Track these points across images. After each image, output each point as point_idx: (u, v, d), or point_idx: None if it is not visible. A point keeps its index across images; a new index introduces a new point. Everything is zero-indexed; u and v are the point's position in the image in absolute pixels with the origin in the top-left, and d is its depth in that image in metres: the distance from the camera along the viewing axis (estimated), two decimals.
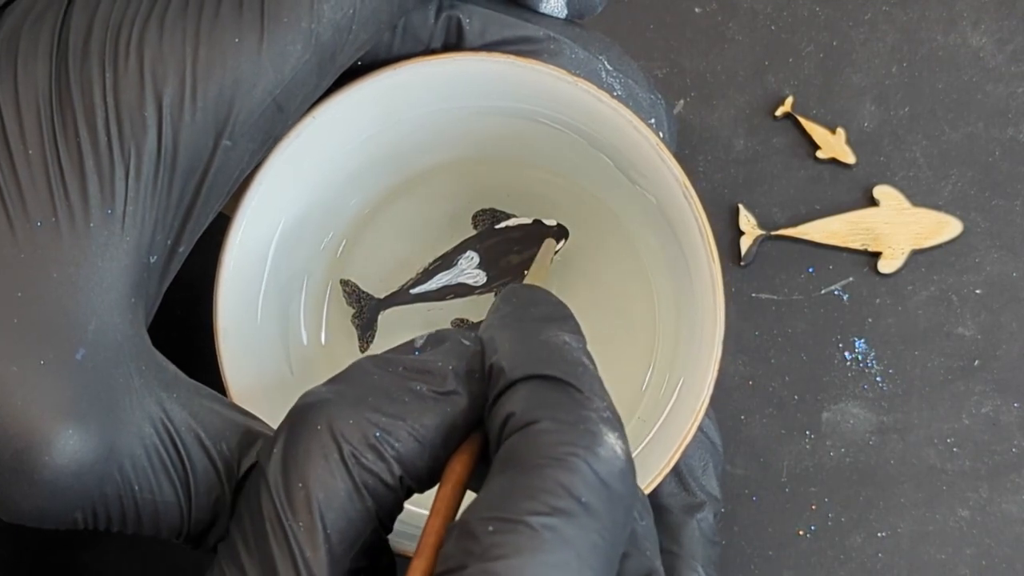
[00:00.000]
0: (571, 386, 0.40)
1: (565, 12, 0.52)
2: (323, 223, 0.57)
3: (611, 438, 0.39)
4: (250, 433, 0.46)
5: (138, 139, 0.43)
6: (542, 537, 0.36)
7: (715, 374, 0.50)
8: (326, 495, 0.40)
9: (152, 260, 0.44)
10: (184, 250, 0.46)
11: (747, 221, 0.64)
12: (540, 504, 0.37)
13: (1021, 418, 0.63)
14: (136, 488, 0.44)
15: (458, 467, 0.42)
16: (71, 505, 0.43)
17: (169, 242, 0.45)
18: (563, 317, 0.44)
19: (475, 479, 0.42)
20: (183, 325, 0.56)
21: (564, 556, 0.36)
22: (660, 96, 0.54)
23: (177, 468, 0.44)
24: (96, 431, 0.43)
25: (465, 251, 0.58)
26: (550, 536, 0.36)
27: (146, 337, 0.45)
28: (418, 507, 0.46)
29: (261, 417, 0.47)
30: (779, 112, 0.64)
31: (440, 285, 0.58)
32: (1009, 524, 0.62)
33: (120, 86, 0.43)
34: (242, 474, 0.45)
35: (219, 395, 0.47)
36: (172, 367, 0.46)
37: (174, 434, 0.44)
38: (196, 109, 0.44)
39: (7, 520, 0.44)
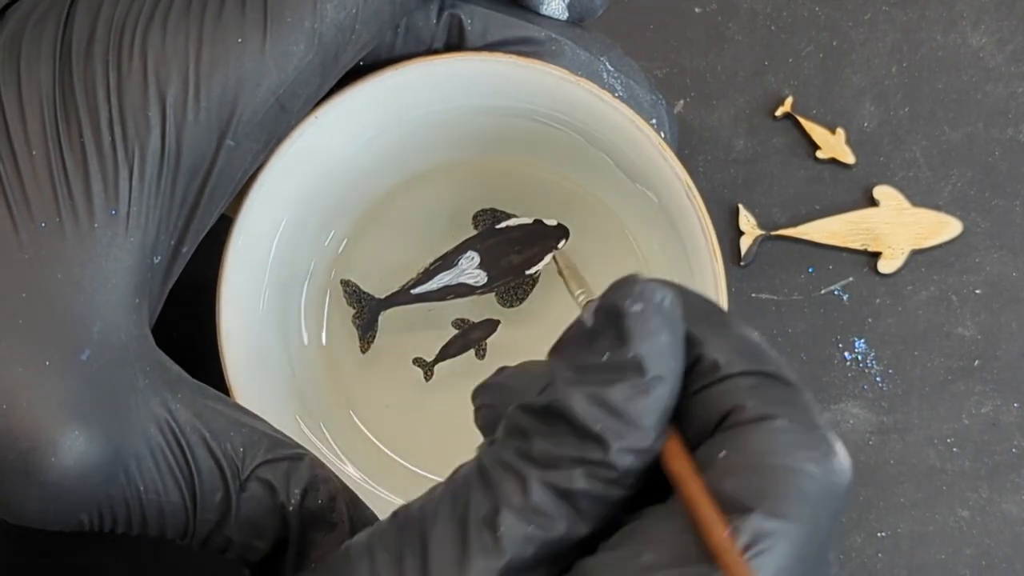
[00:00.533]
0: (795, 387, 0.38)
1: (566, 15, 0.52)
2: (324, 223, 0.58)
3: (842, 451, 0.37)
4: (254, 433, 0.46)
5: (142, 139, 0.43)
6: (773, 539, 0.35)
7: None
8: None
9: (156, 260, 0.44)
10: (188, 250, 0.46)
11: (747, 221, 0.64)
12: (776, 505, 0.35)
13: (1021, 418, 0.63)
14: (142, 489, 0.44)
15: (676, 445, 0.38)
16: (77, 506, 0.43)
17: (173, 242, 0.45)
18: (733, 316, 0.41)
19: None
20: (184, 325, 0.56)
21: (787, 561, 0.35)
22: (661, 96, 0.54)
23: (182, 469, 0.44)
24: (102, 432, 0.42)
25: (466, 251, 0.58)
26: (779, 540, 0.35)
27: (150, 338, 0.45)
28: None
29: (263, 417, 0.47)
30: (779, 112, 0.64)
31: (441, 285, 0.58)
32: (1009, 524, 0.62)
33: (124, 87, 0.43)
34: (247, 474, 0.45)
35: (223, 395, 0.47)
36: (176, 367, 0.46)
37: (179, 435, 0.44)
38: (199, 109, 0.44)
39: (13, 522, 0.43)
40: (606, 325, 0.38)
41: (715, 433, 0.37)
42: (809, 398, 0.38)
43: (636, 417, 0.37)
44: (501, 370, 0.41)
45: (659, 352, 0.37)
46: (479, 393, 0.41)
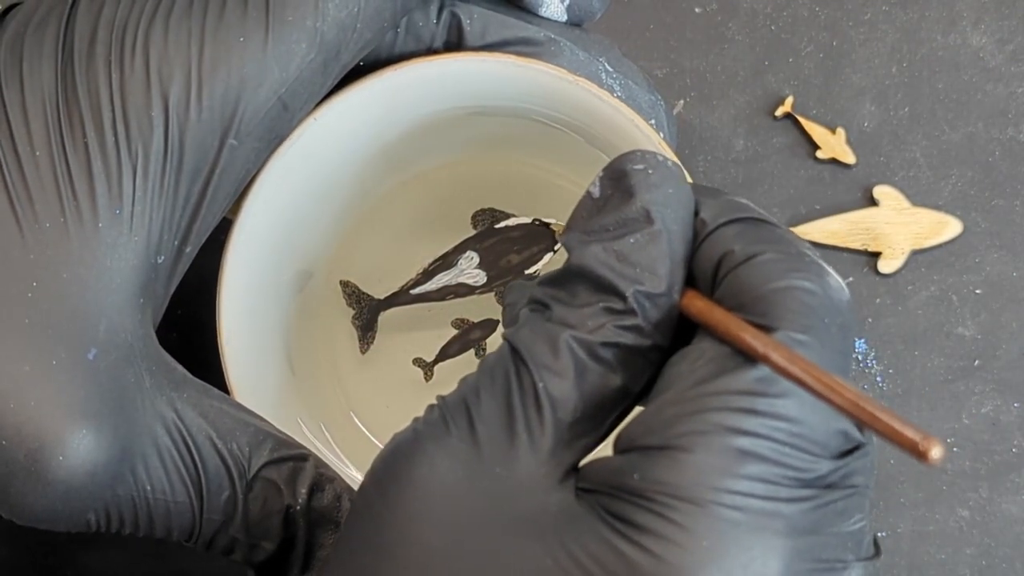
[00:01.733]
0: (778, 227, 0.39)
1: (565, 17, 0.52)
2: (324, 224, 0.57)
3: (832, 271, 0.38)
4: (259, 433, 0.46)
5: (145, 139, 0.43)
6: (802, 351, 0.36)
7: None
8: None
9: (160, 260, 0.44)
10: (191, 251, 0.46)
11: None
12: (790, 323, 0.36)
13: (1021, 418, 0.63)
14: (149, 489, 0.44)
15: (694, 297, 0.39)
16: (84, 506, 0.43)
17: (176, 242, 0.45)
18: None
19: None
20: (184, 325, 0.56)
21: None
22: (660, 97, 0.54)
23: (189, 469, 0.44)
24: (110, 431, 0.43)
25: (465, 251, 0.58)
26: (806, 352, 0.36)
27: (154, 338, 0.45)
28: None
29: (264, 417, 0.47)
30: (779, 112, 0.64)
31: (440, 285, 0.58)
32: (1009, 524, 0.62)
33: (126, 87, 0.43)
34: (253, 474, 0.45)
35: (227, 396, 0.47)
36: (180, 368, 0.46)
37: (186, 435, 0.44)
38: (202, 108, 0.44)
39: (20, 522, 0.43)
40: (612, 188, 0.40)
41: (714, 286, 0.39)
42: (793, 235, 0.39)
43: (650, 263, 0.39)
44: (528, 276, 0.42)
45: (665, 201, 0.39)
46: (507, 293, 0.43)
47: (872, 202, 0.64)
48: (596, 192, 0.41)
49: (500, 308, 0.59)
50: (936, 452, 0.33)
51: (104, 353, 0.43)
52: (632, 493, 0.36)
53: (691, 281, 0.40)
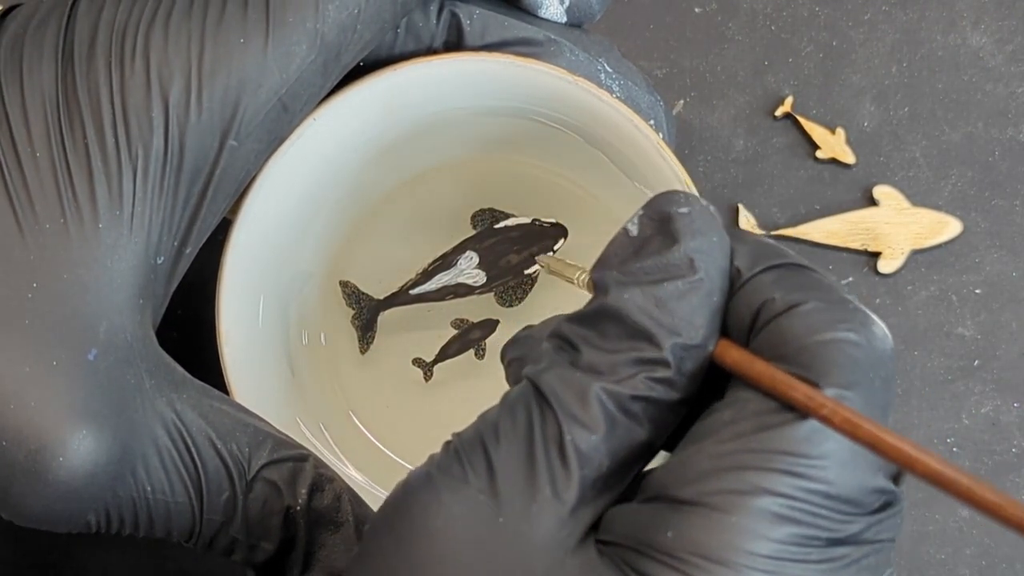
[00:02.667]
0: (816, 272, 0.38)
1: (565, 19, 0.52)
2: (323, 224, 0.57)
3: (877, 318, 0.37)
4: (259, 433, 0.46)
5: (145, 140, 0.43)
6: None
7: None
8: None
9: (159, 261, 0.44)
10: (191, 252, 0.46)
11: (747, 221, 0.64)
12: (836, 377, 0.35)
13: (1021, 418, 0.63)
14: (149, 489, 0.44)
15: (729, 346, 0.38)
16: (84, 507, 0.43)
17: (176, 243, 0.45)
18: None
19: None
20: (183, 325, 0.56)
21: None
22: (659, 98, 0.54)
23: (189, 469, 0.44)
24: (110, 432, 0.43)
25: (464, 251, 0.58)
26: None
27: (154, 339, 0.45)
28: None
29: (263, 417, 0.47)
30: (779, 112, 0.64)
31: (440, 285, 0.58)
32: None
33: (126, 88, 0.43)
34: (253, 474, 0.45)
35: (226, 396, 0.47)
36: (180, 368, 0.46)
37: (186, 435, 0.44)
38: (202, 110, 0.44)
39: (20, 523, 0.43)
40: (653, 230, 0.39)
41: (751, 336, 0.37)
42: (832, 280, 0.38)
43: (689, 314, 0.37)
44: (527, 328, 0.41)
45: (709, 250, 0.38)
46: (507, 349, 0.41)
47: (872, 202, 0.64)
48: (635, 231, 0.39)
49: (500, 308, 0.59)
50: None
51: (104, 354, 0.43)
52: (661, 551, 0.35)
53: (724, 330, 0.38)
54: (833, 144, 0.64)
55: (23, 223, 0.42)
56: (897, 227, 0.63)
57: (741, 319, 0.38)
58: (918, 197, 0.64)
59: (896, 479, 0.37)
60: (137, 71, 0.43)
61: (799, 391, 0.35)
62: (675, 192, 0.39)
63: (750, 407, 0.36)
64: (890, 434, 0.35)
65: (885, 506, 0.37)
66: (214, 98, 0.44)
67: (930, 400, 0.63)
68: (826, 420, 0.35)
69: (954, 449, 0.62)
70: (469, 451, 0.38)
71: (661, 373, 0.37)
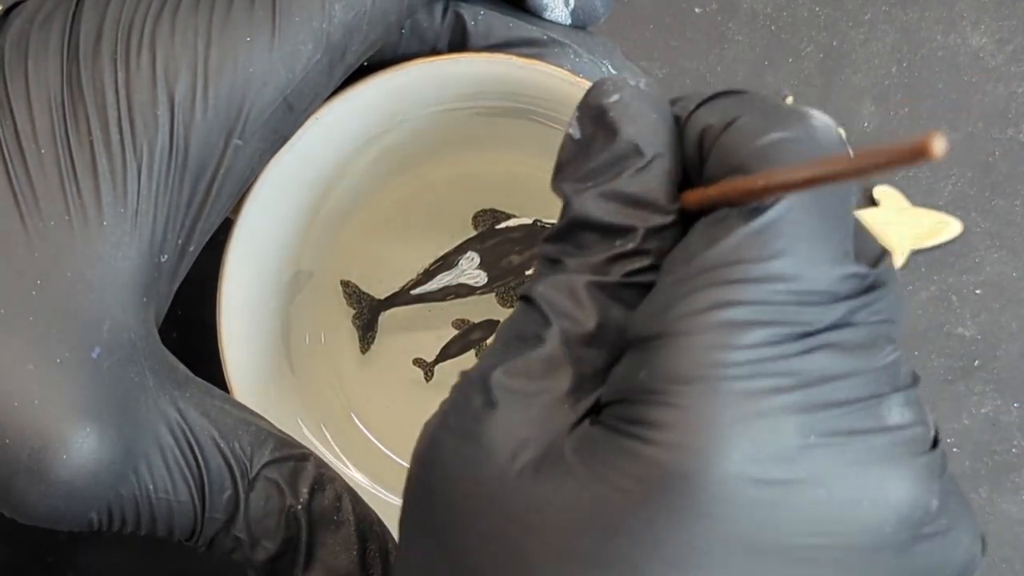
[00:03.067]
0: (748, 91, 0.39)
1: (569, 21, 0.52)
2: (324, 223, 0.57)
3: (817, 111, 0.37)
4: (261, 432, 0.46)
5: (150, 137, 0.43)
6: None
7: None
8: None
9: (163, 259, 0.44)
10: (194, 250, 0.46)
11: None
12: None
13: (1021, 418, 0.63)
14: (151, 488, 0.44)
15: (689, 193, 0.39)
16: (87, 505, 0.43)
17: (180, 241, 0.45)
18: None
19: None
20: (184, 324, 0.56)
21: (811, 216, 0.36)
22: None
23: (192, 468, 0.44)
24: (113, 430, 0.43)
25: (466, 252, 0.58)
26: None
27: (157, 337, 0.45)
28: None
29: (264, 416, 0.47)
30: None
31: (441, 286, 0.58)
32: (1009, 524, 0.62)
33: (132, 85, 0.43)
34: (254, 473, 0.45)
35: (228, 395, 0.47)
36: (183, 367, 0.46)
37: (188, 434, 0.44)
38: (208, 108, 0.44)
39: (22, 521, 0.43)
40: (593, 127, 0.39)
41: (702, 169, 0.38)
42: (766, 94, 0.38)
43: (652, 196, 0.38)
44: None
45: (650, 129, 0.38)
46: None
47: (872, 202, 0.64)
48: (576, 133, 0.39)
49: (501, 309, 0.59)
50: (939, 144, 0.31)
51: (108, 352, 0.43)
52: (640, 392, 0.35)
53: (686, 182, 0.39)
54: None
55: (27, 220, 0.42)
56: (897, 227, 0.63)
57: (692, 159, 0.38)
58: (918, 197, 0.64)
59: (874, 263, 0.37)
60: (143, 68, 0.43)
61: (737, 185, 0.36)
62: (602, 81, 0.39)
63: (698, 228, 0.37)
64: (820, 162, 0.34)
65: (869, 289, 0.36)
66: (220, 96, 0.44)
67: (930, 400, 0.63)
68: (767, 190, 0.35)
69: (954, 449, 0.63)
70: (471, 378, 0.38)
71: (641, 262, 0.38)
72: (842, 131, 0.64)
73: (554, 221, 0.57)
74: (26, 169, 0.42)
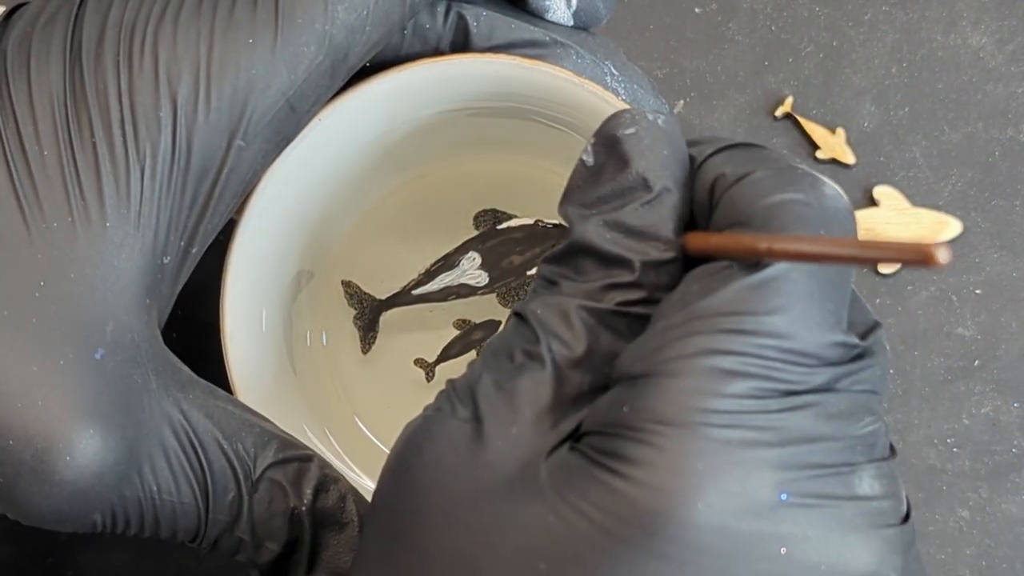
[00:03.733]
0: (766, 148, 0.39)
1: (571, 22, 0.52)
2: (326, 224, 0.57)
3: (829, 180, 0.38)
4: (264, 434, 0.46)
5: (153, 139, 0.43)
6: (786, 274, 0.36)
7: None
8: None
9: (166, 261, 0.44)
10: (197, 252, 0.46)
11: None
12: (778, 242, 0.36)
13: (1021, 418, 0.63)
14: (155, 489, 0.44)
15: (692, 236, 0.39)
16: (91, 507, 0.43)
17: (182, 243, 0.45)
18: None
19: None
20: (186, 325, 0.56)
21: (812, 283, 0.36)
22: (664, 101, 0.54)
23: (196, 470, 0.44)
24: (117, 432, 0.43)
25: (467, 252, 0.58)
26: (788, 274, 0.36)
27: (160, 339, 0.45)
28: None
29: (267, 417, 0.47)
30: (779, 112, 0.64)
31: (442, 286, 0.58)
32: (1009, 524, 0.62)
33: (135, 86, 0.43)
34: (258, 475, 0.45)
35: (231, 396, 0.47)
36: (186, 368, 0.46)
37: (192, 435, 0.44)
38: (210, 109, 0.44)
39: (26, 523, 0.43)
40: (606, 157, 0.40)
41: (711, 214, 0.38)
42: (782, 152, 0.39)
43: (653, 231, 0.38)
44: None
45: (661, 164, 0.39)
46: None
47: (872, 202, 0.64)
48: (589, 160, 0.40)
49: (502, 309, 0.59)
50: (943, 254, 0.32)
51: (111, 353, 0.43)
52: (620, 426, 0.36)
53: (691, 221, 0.39)
54: (833, 144, 0.64)
55: (30, 222, 0.42)
56: (897, 227, 0.63)
57: (701, 202, 0.39)
58: (918, 197, 0.64)
59: (865, 335, 0.37)
60: (146, 70, 0.43)
61: (742, 241, 0.36)
62: (620, 113, 0.40)
63: (696, 275, 0.37)
64: (826, 239, 0.35)
65: (856, 358, 0.37)
66: (222, 98, 0.44)
67: (930, 400, 0.63)
68: (770, 253, 0.35)
69: (954, 449, 0.63)
70: (458, 389, 0.39)
71: (636, 294, 0.38)
72: (842, 130, 0.64)
73: (554, 221, 0.58)
74: (29, 171, 0.42)
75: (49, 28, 0.44)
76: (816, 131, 0.64)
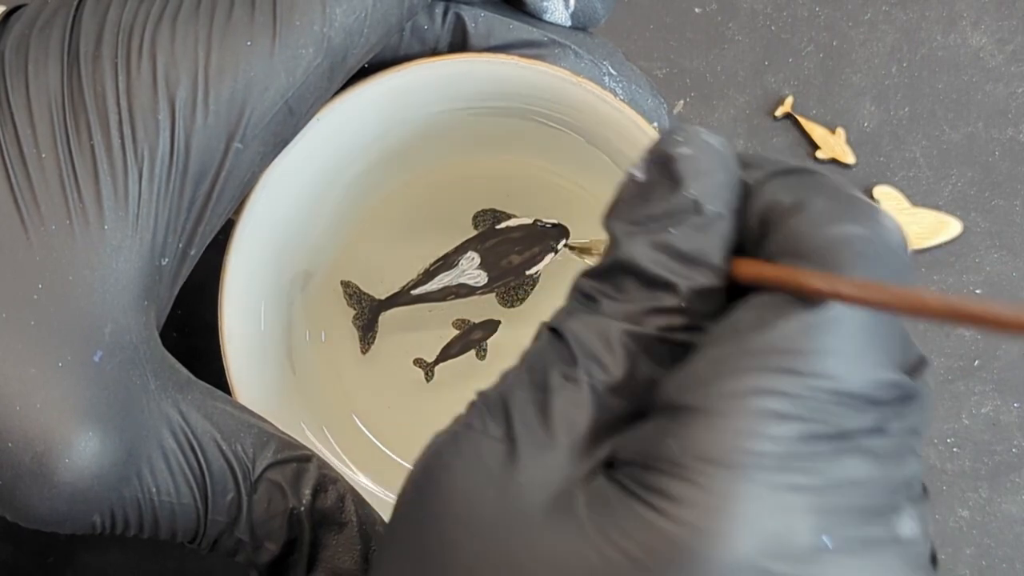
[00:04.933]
0: (822, 174, 0.38)
1: (569, 23, 0.52)
2: (325, 224, 0.57)
3: (885, 211, 0.37)
4: (263, 434, 0.46)
5: (151, 142, 0.43)
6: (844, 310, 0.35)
7: None
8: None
9: (164, 263, 0.44)
10: (195, 253, 0.46)
11: None
12: (847, 272, 0.35)
13: (1021, 418, 0.63)
14: (154, 491, 0.44)
15: (742, 263, 0.38)
16: (90, 508, 0.43)
17: (180, 245, 0.45)
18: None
19: None
20: (184, 325, 0.56)
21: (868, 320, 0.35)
22: (663, 101, 0.54)
23: (195, 471, 0.44)
24: (116, 433, 0.43)
25: (466, 252, 0.58)
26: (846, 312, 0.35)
27: (159, 340, 0.45)
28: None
29: (265, 417, 0.47)
30: (779, 112, 0.64)
31: (441, 286, 0.58)
32: (1009, 524, 0.62)
33: (133, 89, 0.43)
34: (257, 475, 0.45)
35: (229, 397, 0.47)
36: (184, 370, 0.46)
37: (191, 436, 0.44)
38: (208, 112, 0.44)
39: (25, 524, 0.43)
40: (658, 174, 0.38)
41: (762, 242, 0.37)
42: (839, 179, 0.38)
43: (701, 257, 0.37)
44: None
45: (715, 189, 0.37)
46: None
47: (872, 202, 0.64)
48: (640, 176, 0.39)
49: (501, 308, 0.59)
50: None
51: (110, 355, 0.43)
52: (664, 461, 0.35)
53: (739, 246, 0.38)
54: (833, 144, 0.64)
55: (28, 224, 0.42)
56: None
57: (751, 230, 0.37)
58: (918, 197, 0.64)
59: (913, 372, 0.37)
60: (143, 72, 0.43)
61: (800, 277, 0.35)
62: (676, 131, 0.38)
63: (751, 305, 0.36)
64: (902, 290, 0.33)
65: (903, 399, 0.36)
66: (220, 100, 0.44)
67: None
68: (836, 296, 0.34)
69: (954, 449, 0.63)
70: (489, 404, 0.38)
71: (680, 320, 0.37)
72: (842, 130, 0.64)
73: (553, 221, 0.58)
74: (27, 173, 0.42)
75: (47, 30, 0.44)
76: (816, 131, 0.64)
